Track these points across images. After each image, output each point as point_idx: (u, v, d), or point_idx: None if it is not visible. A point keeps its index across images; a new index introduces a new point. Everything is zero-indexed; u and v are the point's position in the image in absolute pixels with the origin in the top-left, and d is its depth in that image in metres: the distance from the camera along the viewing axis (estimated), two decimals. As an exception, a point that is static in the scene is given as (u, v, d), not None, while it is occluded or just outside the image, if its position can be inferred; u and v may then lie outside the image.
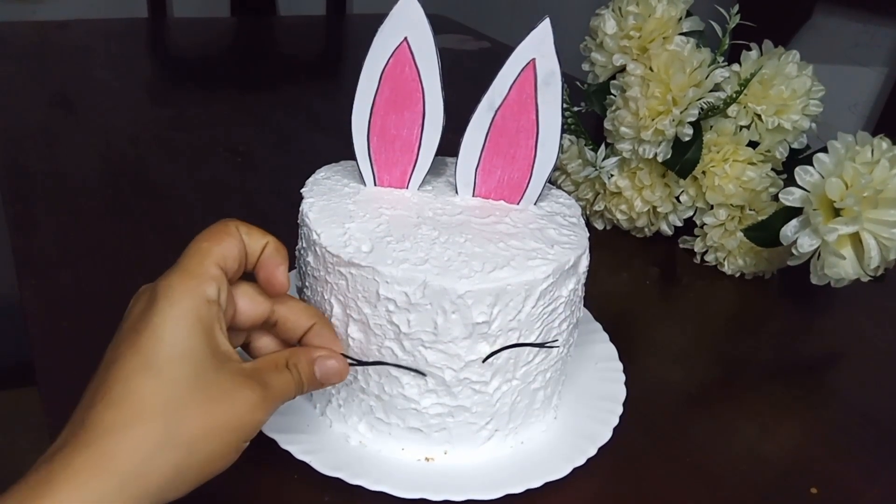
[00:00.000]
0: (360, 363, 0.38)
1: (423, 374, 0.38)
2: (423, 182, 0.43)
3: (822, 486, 0.43)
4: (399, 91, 0.41)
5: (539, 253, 0.38)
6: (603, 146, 0.65)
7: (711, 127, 0.62)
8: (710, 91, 0.60)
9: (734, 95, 0.61)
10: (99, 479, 0.28)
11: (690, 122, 0.59)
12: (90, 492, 0.28)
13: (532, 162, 0.42)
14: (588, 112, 0.69)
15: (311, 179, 0.44)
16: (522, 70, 0.40)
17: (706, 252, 0.64)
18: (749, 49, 0.62)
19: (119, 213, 0.64)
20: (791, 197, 0.54)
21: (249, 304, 0.36)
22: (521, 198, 0.43)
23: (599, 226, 0.68)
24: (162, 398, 0.30)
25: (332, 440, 0.41)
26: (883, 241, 0.51)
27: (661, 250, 0.67)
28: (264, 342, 0.38)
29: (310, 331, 0.37)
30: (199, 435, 0.31)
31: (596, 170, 0.64)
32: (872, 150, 0.52)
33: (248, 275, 0.36)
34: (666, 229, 0.66)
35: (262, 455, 0.38)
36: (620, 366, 0.48)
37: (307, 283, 0.41)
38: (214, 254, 0.33)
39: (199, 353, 0.31)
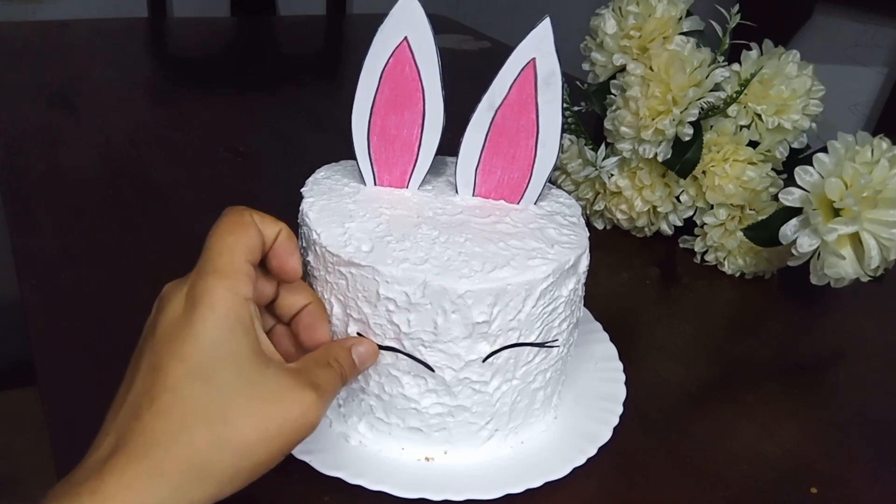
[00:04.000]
0: (380, 348, 0.38)
1: (432, 370, 0.38)
2: (423, 182, 0.43)
3: (822, 486, 0.42)
4: (399, 91, 0.41)
5: (539, 252, 0.38)
6: (603, 146, 0.65)
7: (711, 127, 0.62)
8: (711, 91, 0.60)
9: (734, 95, 0.61)
10: (153, 489, 0.28)
11: (690, 122, 0.59)
12: (144, 501, 0.28)
13: (532, 162, 0.42)
14: (588, 112, 0.69)
15: (311, 179, 0.44)
16: (522, 70, 0.40)
17: (706, 252, 0.64)
18: (749, 49, 0.62)
19: (119, 213, 0.64)
20: (791, 197, 0.54)
21: (259, 284, 0.35)
22: (521, 197, 0.43)
23: (599, 226, 0.68)
24: (212, 404, 0.30)
25: (331, 440, 0.41)
26: (883, 241, 0.51)
27: (661, 250, 0.67)
28: (266, 322, 0.38)
29: (303, 309, 0.37)
30: (254, 440, 0.31)
31: (596, 169, 0.64)
32: (872, 150, 0.52)
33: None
34: (666, 229, 0.66)
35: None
36: (620, 366, 0.48)
37: (307, 283, 0.41)
38: (241, 249, 0.33)
39: (242, 354, 0.31)
